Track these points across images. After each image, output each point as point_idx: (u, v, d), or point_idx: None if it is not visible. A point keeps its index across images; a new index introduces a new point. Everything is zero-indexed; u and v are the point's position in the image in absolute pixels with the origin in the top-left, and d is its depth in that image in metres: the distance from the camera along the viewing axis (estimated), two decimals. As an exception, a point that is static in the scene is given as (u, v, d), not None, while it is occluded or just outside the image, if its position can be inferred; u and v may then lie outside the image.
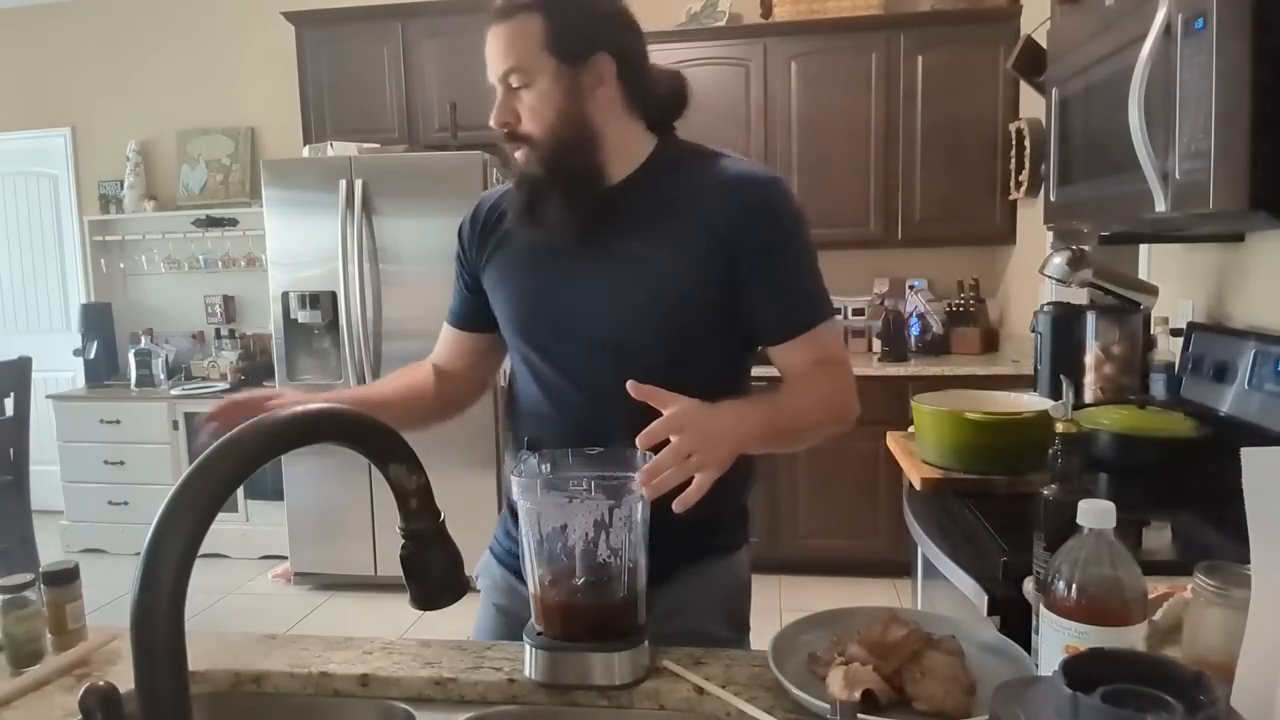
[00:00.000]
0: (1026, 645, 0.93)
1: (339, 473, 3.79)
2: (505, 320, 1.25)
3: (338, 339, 3.79)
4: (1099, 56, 1.54)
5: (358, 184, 3.68)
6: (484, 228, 1.28)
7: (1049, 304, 2.26)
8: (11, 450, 3.49)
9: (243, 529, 4.28)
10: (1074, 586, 0.77)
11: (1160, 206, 1.28)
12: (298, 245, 3.79)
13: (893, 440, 2.02)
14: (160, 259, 4.85)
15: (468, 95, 3.89)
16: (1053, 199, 1.83)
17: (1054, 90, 1.80)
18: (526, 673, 0.98)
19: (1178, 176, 1.24)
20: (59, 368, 4.93)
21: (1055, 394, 1.90)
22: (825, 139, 3.94)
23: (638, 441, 0.95)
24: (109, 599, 3.10)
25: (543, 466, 1.06)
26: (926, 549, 1.59)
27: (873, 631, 0.91)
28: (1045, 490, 1.01)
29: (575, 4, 1.13)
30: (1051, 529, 0.97)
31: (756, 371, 1.29)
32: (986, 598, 1.26)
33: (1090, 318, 2.08)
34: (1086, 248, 2.06)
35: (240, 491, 3.92)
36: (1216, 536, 1.39)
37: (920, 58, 3.86)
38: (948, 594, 1.47)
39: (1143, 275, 2.28)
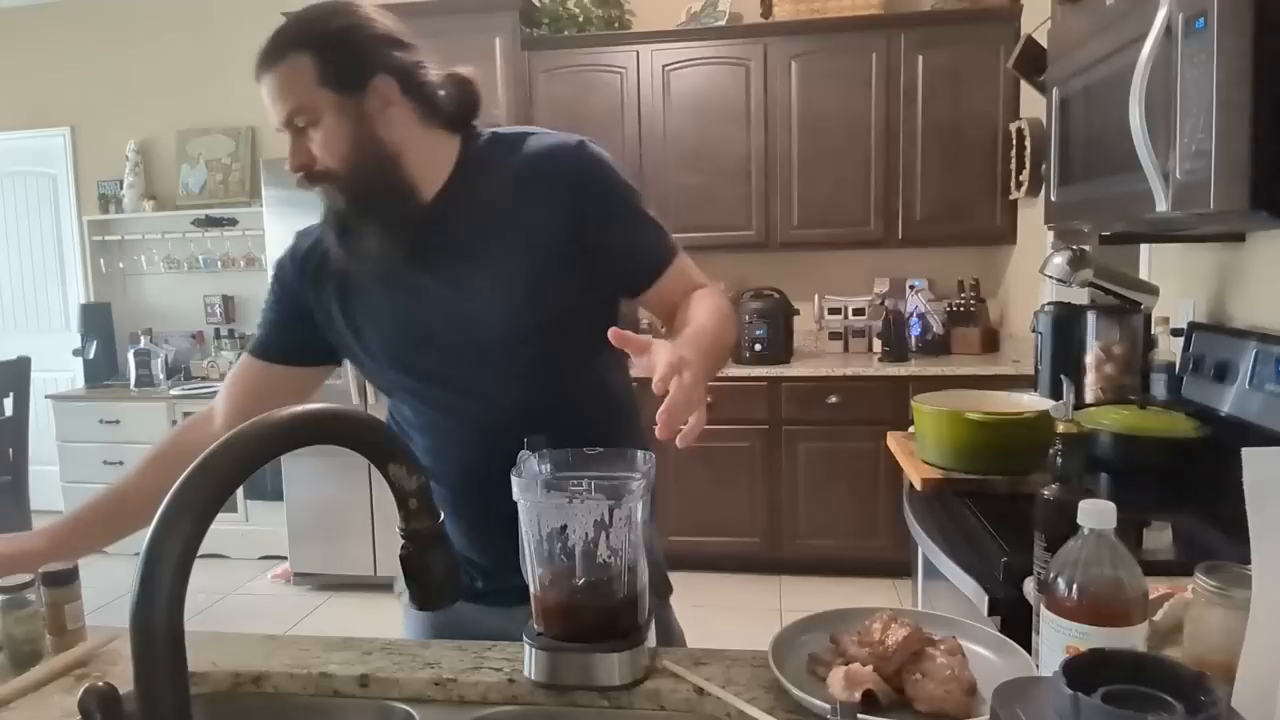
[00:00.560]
0: (1026, 645, 0.93)
1: (339, 473, 3.79)
2: (374, 353, 1.23)
3: (338, 339, 3.78)
4: (1099, 56, 1.54)
5: (358, 184, 3.68)
6: (312, 267, 1.24)
7: (1049, 304, 2.26)
8: (11, 450, 3.49)
9: (243, 529, 4.28)
10: (1074, 587, 0.77)
11: (1161, 206, 1.28)
12: (298, 245, 3.79)
13: (893, 440, 2.02)
14: (160, 259, 4.85)
15: (468, 95, 3.89)
16: (1053, 199, 1.83)
17: (1054, 90, 1.80)
18: (526, 673, 0.98)
19: (1178, 176, 1.24)
20: (59, 368, 4.93)
21: (1055, 394, 1.90)
22: (825, 139, 3.94)
23: (655, 387, 0.93)
24: (109, 599, 3.09)
25: (542, 467, 1.06)
26: (926, 549, 1.59)
27: (873, 631, 0.91)
28: (1045, 490, 1.01)
29: (340, 36, 1.11)
30: (1052, 529, 0.97)
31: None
32: (986, 598, 1.26)
33: (1090, 318, 2.08)
34: (1087, 248, 2.06)
35: (240, 491, 3.92)
36: (1217, 536, 1.39)
37: (920, 58, 3.86)
38: (948, 594, 1.47)
39: (1143, 275, 2.28)
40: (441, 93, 1.18)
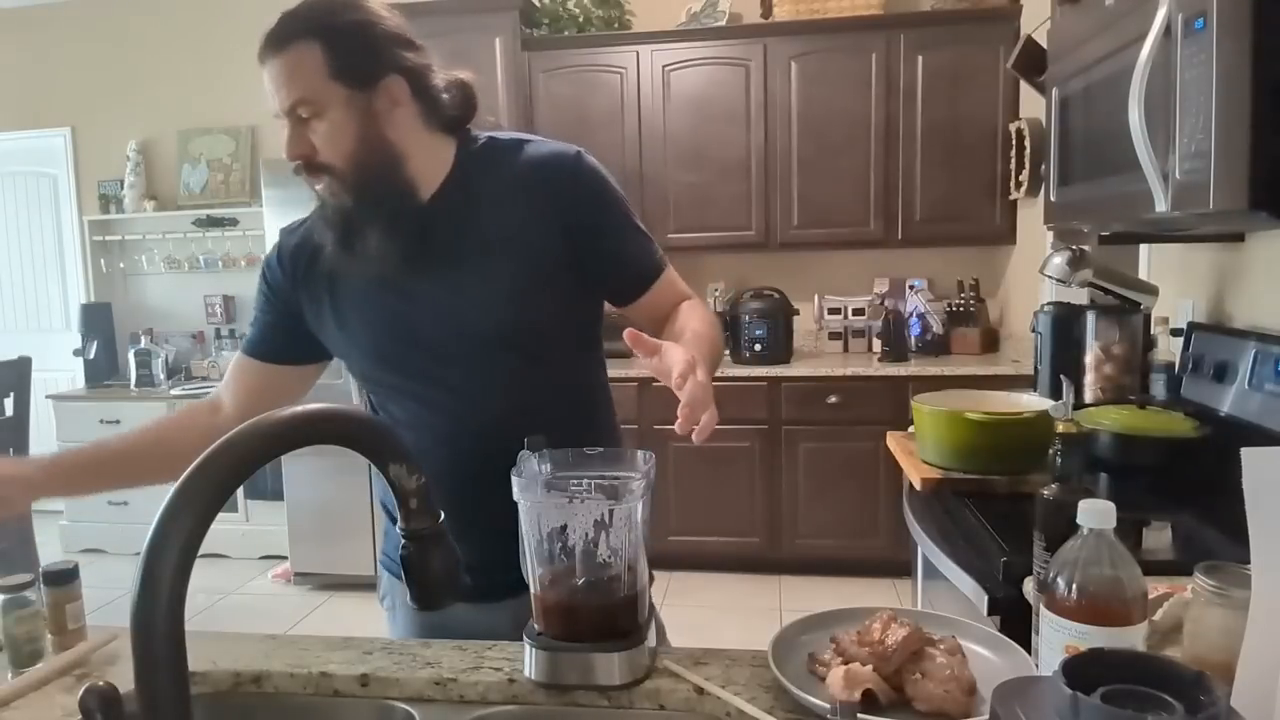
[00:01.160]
0: (1026, 645, 0.93)
1: (339, 473, 3.79)
2: (363, 354, 1.23)
3: (338, 339, 3.79)
4: (1099, 56, 1.54)
5: (358, 184, 3.68)
6: (301, 266, 1.24)
7: (1049, 304, 2.26)
8: (11, 450, 3.49)
9: (243, 529, 4.28)
10: (1074, 586, 0.77)
11: (1160, 206, 1.28)
12: (298, 245, 3.79)
13: (893, 440, 2.02)
14: (160, 259, 4.85)
15: (468, 95, 3.89)
16: (1053, 199, 1.83)
17: (1054, 90, 1.80)
18: (526, 673, 0.98)
19: (1178, 176, 1.24)
20: (59, 368, 4.93)
21: (1055, 394, 1.90)
22: (825, 139, 3.94)
23: (675, 382, 0.94)
24: (109, 599, 3.09)
25: (543, 467, 1.06)
26: (926, 549, 1.59)
27: (873, 631, 0.91)
28: (1045, 490, 1.01)
29: (352, 29, 1.10)
30: (1051, 529, 0.97)
31: (626, 373, 1.31)
32: (986, 598, 1.26)
33: (1090, 318, 2.09)
34: (1086, 248, 2.06)
35: (240, 491, 3.92)
36: (1216, 536, 1.39)
37: (920, 58, 3.86)
38: (948, 594, 1.47)
39: (1143, 275, 2.28)
40: (445, 96, 1.18)
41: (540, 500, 0.98)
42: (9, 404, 3.48)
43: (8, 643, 1.06)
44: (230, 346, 4.69)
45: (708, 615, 3.46)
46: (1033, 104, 3.29)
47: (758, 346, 3.87)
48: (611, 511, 0.97)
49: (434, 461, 1.19)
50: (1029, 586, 1.10)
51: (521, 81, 4.00)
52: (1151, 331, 2.02)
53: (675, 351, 0.97)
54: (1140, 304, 2.04)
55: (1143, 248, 2.31)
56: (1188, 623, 0.88)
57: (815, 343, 4.23)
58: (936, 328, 4.04)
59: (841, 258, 4.24)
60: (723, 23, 4.07)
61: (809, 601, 3.11)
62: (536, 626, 1.00)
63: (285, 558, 4.04)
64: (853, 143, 3.93)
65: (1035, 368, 2.28)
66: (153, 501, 0.63)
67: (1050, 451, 1.02)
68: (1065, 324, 2.16)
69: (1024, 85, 3.25)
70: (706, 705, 0.94)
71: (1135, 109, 1.27)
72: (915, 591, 1.98)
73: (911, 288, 4.19)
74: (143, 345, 4.56)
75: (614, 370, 1.37)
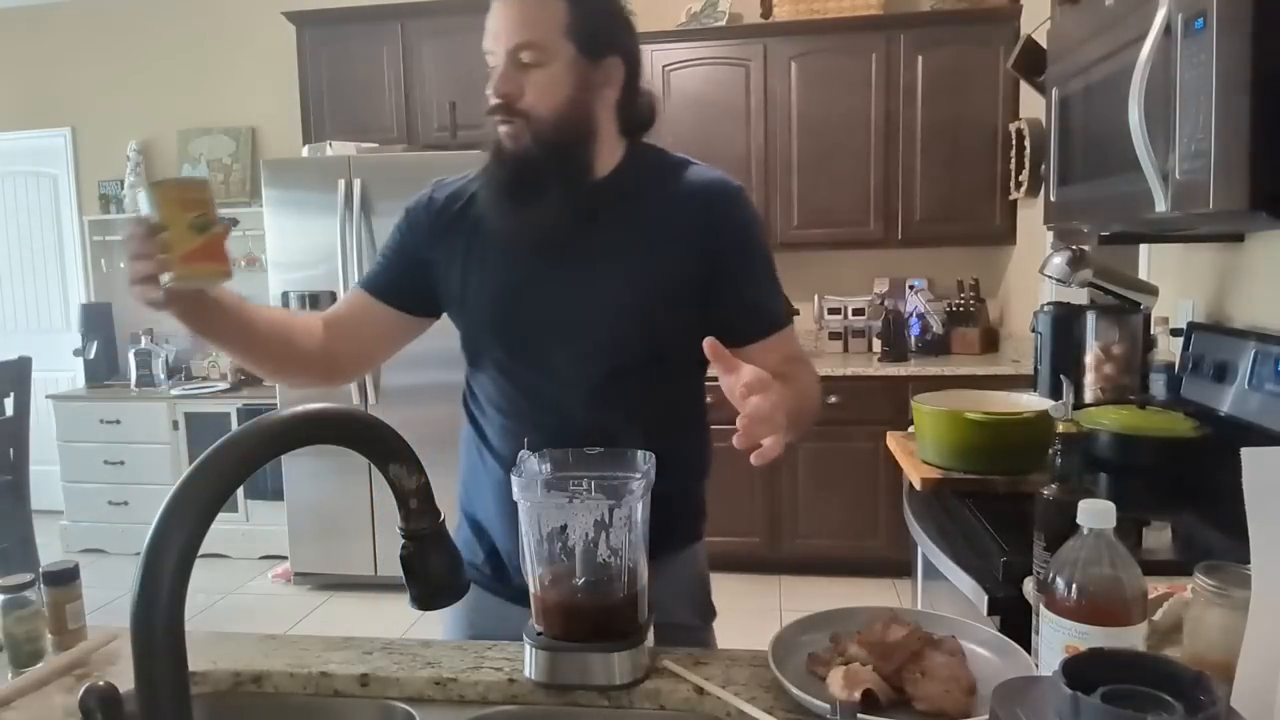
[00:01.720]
0: (1026, 645, 0.93)
1: (339, 473, 3.79)
2: (480, 316, 1.23)
3: (338, 339, 3.78)
4: (1099, 56, 1.54)
5: (356, 184, 3.68)
6: (445, 215, 1.25)
7: (1049, 304, 2.26)
8: (11, 450, 3.49)
9: (243, 529, 4.28)
10: (1074, 586, 0.77)
11: (1160, 206, 1.28)
12: (297, 245, 3.80)
13: (893, 440, 2.02)
14: (160, 259, 4.84)
15: (467, 95, 3.88)
16: (1053, 199, 1.83)
17: (1054, 90, 1.80)
18: (526, 673, 0.98)
19: (1178, 176, 1.24)
20: (59, 368, 4.93)
21: (1055, 394, 1.90)
22: (825, 139, 3.94)
23: (740, 390, 0.94)
24: (109, 599, 3.10)
25: (543, 466, 1.06)
26: (926, 549, 1.59)
27: (873, 631, 0.91)
28: (1045, 490, 1.01)
29: (593, 3, 1.14)
30: (1051, 529, 0.97)
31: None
32: (986, 598, 1.26)
33: (1090, 318, 2.08)
34: (1086, 248, 2.06)
35: (240, 491, 3.93)
36: (1216, 536, 1.39)
37: (920, 58, 3.86)
38: (948, 594, 1.47)
39: (1143, 275, 2.28)
40: (640, 99, 1.21)
41: (540, 500, 0.98)
42: (9, 404, 3.48)
43: (8, 643, 1.06)
44: (230, 346, 4.69)
45: (708, 615, 3.45)
46: (1033, 104, 3.29)
47: (758, 346, 3.87)
48: (611, 511, 0.97)
49: (519, 448, 1.18)
50: (1029, 586, 1.10)
51: (521, 81, 3.99)
52: (1151, 331, 2.02)
53: (750, 370, 0.96)
54: (1140, 304, 2.04)
55: (1143, 248, 2.31)
56: (1188, 623, 0.88)
57: (815, 343, 4.23)
58: (936, 328, 4.04)
59: (841, 258, 4.24)
60: (723, 23, 4.07)
61: (809, 601, 3.11)
62: (536, 626, 1.00)
63: (285, 558, 4.04)
64: (853, 143, 3.93)
65: (1035, 368, 2.28)
66: (153, 501, 0.63)
67: (1050, 451, 1.02)
68: (1065, 324, 2.16)
69: (1024, 85, 3.25)
70: (706, 705, 0.94)
71: (1135, 109, 1.27)
72: (915, 591, 1.98)
73: (911, 288, 4.19)
74: (143, 345, 4.56)
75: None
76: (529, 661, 0.98)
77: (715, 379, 1.24)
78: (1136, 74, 1.27)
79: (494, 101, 1.13)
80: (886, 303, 4.15)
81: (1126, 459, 1.66)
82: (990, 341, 4.05)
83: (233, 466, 0.66)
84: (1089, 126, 1.64)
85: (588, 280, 1.17)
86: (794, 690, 0.88)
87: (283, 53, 4.37)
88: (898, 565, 3.21)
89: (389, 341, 1.32)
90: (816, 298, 4.23)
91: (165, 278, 1.00)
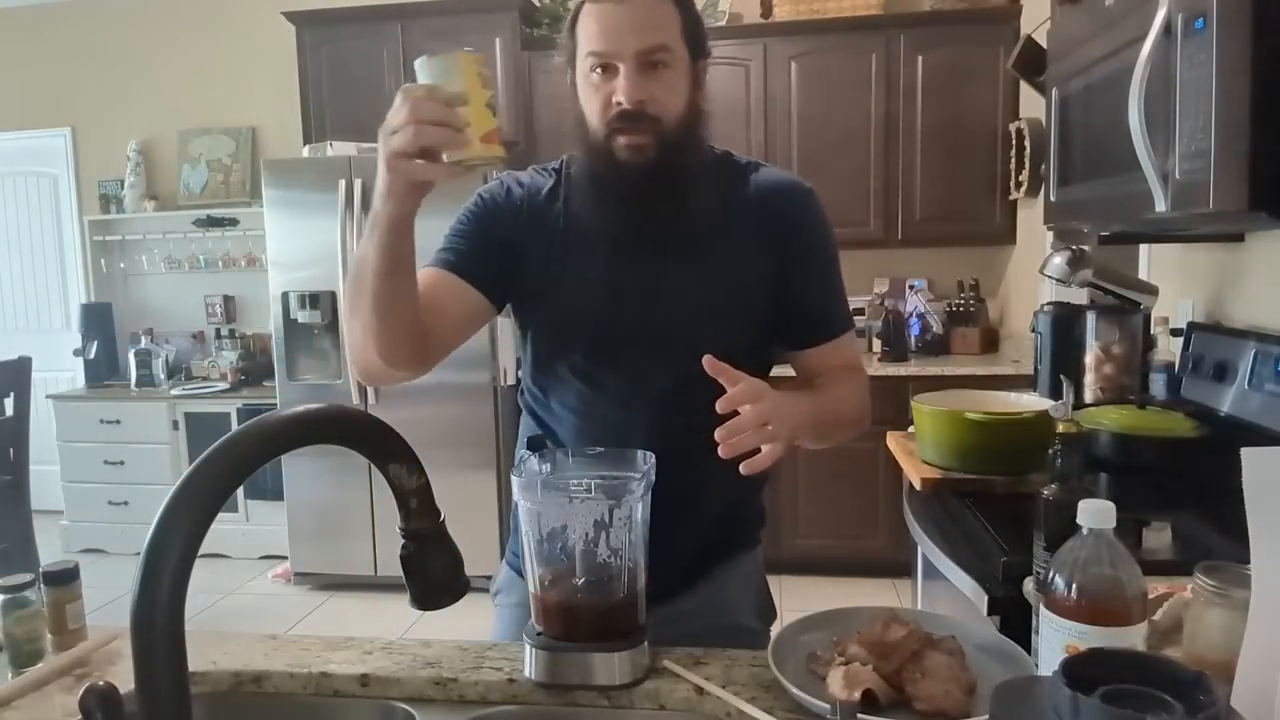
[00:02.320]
0: (1026, 645, 0.93)
1: (339, 473, 3.79)
2: (562, 316, 1.20)
3: (337, 339, 3.79)
4: (1099, 56, 1.54)
5: (357, 184, 3.68)
6: (533, 207, 1.21)
7: (1049, 304, 2.26)
8: (11, 450, 3.49)
9: (243, 529, 4.28)
10: (1074, 586, 0.77)
11: (1160, 206, 1.28)
12: (298, 245, 3.80)
13: (893, 440, 2.02)
14: (160, 259, 4.85)
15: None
16: (1053, 199, 1.83)
17: (1054, 90, 1.80)
18: (526, 673, 0.98)
19: (1178, 176, 1.24)
20: (59, 368, 4.93)
21: (1055, 394, 1.90)
22: (825, 139, 3.94)
23: (720, 403, 0.96)
24: (109, 599, 3.10)
25: (543, 466, 1.06)
26: (926, 549, 1.59)
27: (873, 631, 0.91)
28: (1045, 490, 1.01)
29: (694, 5, 1.16)
30: (1051, 529, 0.97)
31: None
32: (986, 598, 1.26)
33: (1090, 318, 2.08)
34: (1086, 248, 2.06)
35: (240, 491, 3.92)
36: (1216, 536, 1.39)
37: (920, 58, 3.86)
38: (948, 594, 1.47)
39: (1143, 275, 2.28)
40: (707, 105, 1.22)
41: (540, 500, 0.98)
42: (9, 404, 3.48)
43: (8, 643, 1.06)
44: (230, 346, 4.69)
45: (708, 615, 3.45)
46: (1033, 104, 3.29)
47: (758, 346, 3.87)
48: (611, 511, 0.97)
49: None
50: (1029, 586, 1.10)
51: (521, 81, 4.00)
52: (1151, 331, 2.02)
53: (748, 382, 0.97)
54: (1140, 304, 2.04)
55: (1143, 248, 2.31)
56: (1188, 623, 0.88)
57: (815, 343, 4.23)
58: (936, 328, 4.04)
59: (842, 258, 4.22)
60: (723, 23, 4.07)
61: (809, 601, 3.11)
62: (536, 626, 1.00)
63: (285, 558, 4.04)
64: (853, 143, 3.93)
65: (1035, 368, 2.28)
66: (153, 501, 0.63)
67: (1050, 451, 1.02)
68: (1065, 324, 2.16)
69: (1024, 85, 3.25)
70: (706, 705, 0.94)
71: (1135, 109, 1.27)
72: (915, 591, 1.98)
73: (911, 288, 4.19)
74: (143, 345, 4.56)
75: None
76: (529, 661, 0.98)
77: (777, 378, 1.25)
78: (1136, 74, 1.27)
79: (624, 108, 1.09)
80: (886, 302, 4.15)
81: (1126, 459, 1.66)
82: (990, 341, 4.05)
83: (233, 466, 0.66)
84: (1089, 126, 1.64)
85: (671, 282, 1.17)
86: (794, 690, 0.88)
87: (283, 53, 4.37)
88: (898, 565, 3.20)
89: (470, 327, 1.22)
90: (816, 298, 4.22)
91: (455, 154, 0.92)
